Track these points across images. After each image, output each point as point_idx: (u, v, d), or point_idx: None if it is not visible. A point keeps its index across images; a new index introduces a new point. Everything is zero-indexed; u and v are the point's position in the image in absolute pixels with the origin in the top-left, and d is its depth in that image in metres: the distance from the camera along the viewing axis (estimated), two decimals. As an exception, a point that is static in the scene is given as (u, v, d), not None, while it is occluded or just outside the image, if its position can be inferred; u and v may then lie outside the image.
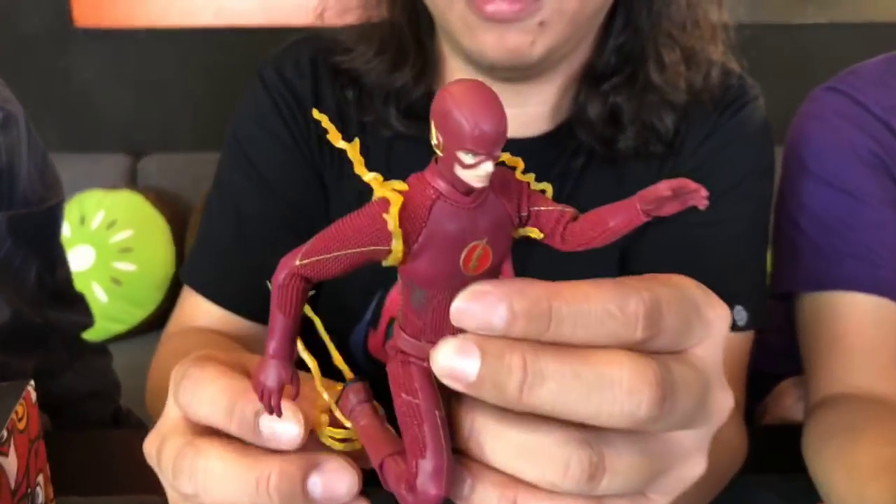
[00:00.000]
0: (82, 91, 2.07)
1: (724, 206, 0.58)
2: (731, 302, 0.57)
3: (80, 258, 1.70)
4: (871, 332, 0.57)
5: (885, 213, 0.60)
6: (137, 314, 1.73)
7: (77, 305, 0.85)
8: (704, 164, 0.59)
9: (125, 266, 1.72)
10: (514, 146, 0.60)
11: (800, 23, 2.06)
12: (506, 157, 0.22)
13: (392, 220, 0.21)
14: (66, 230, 1.75)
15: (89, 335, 1.77)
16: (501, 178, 0.22)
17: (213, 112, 2.08)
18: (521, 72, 0.55)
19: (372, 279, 0.61)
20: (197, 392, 0.25)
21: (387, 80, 0.59)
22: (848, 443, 0.48)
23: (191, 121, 2.10)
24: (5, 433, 0.31)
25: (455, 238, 0.21)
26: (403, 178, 0.60)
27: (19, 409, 0.33)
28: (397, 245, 0.21)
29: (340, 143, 0.22)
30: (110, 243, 1.72)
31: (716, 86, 0.59)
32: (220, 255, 0.61)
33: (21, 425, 0.33)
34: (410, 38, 0.59)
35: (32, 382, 0.37)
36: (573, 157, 0.60)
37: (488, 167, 0.20)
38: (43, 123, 2.10)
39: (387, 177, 0.62)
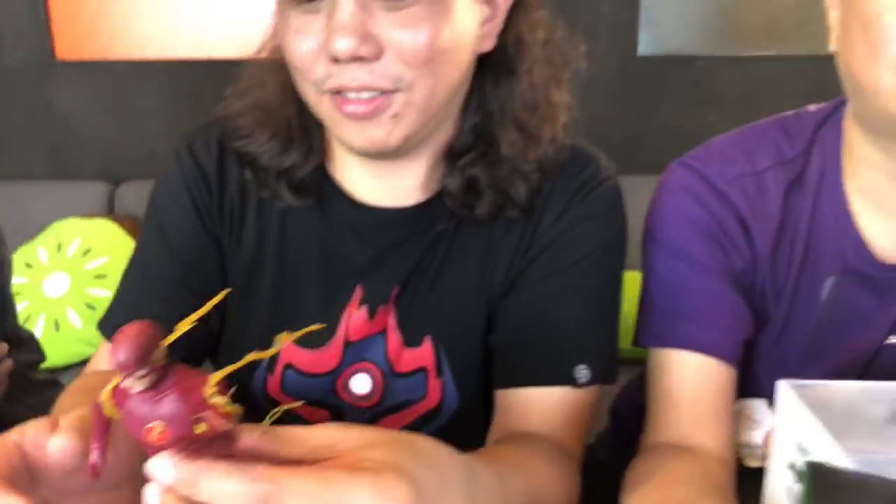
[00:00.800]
0: (64, 121, 2.16)
1: (574, 277, 0.66)
2: (576, 361, 0.65)
3: (56, 284, 1.78)
4: (693, 388, 0.65)
5: (715, 281, 0.67)
6: (110, 338, 1.81)
7: (27, 345, 0.93)
8: (558, 239, 0.67)
9: (99, 292, 1.80)
10: (394, 215, 0.69)
11: (750, 55, 2.14)
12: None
13: (106, 406, 0.33)
14: (44, 257, 1.84)
15: (64, 358, 1.85)
16: (188, 386, 0.32)
17: (189, 141, 2.18)
18: (386, 156, 0.64)
19: (268, 330, 0.69)
20: None
21: (278, 160, 0.67)
22: (644, 486, 0.56)
23: (168, 150, 2.16)
24: None
25: (137, 419, 0.32)
26: (295, 241, 0.69)
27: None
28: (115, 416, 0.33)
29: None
30: (85, 270, 1.81)
31: (564, 162, 0.67)
32: (128, 310, 0.69)
33: None
34: (297, 125, 0.67)
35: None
36: (446, 223, 0.69)
37: (129, 383, 0.31)
38: (26, 152, 2.21)
39: (282, 239, 0.70)
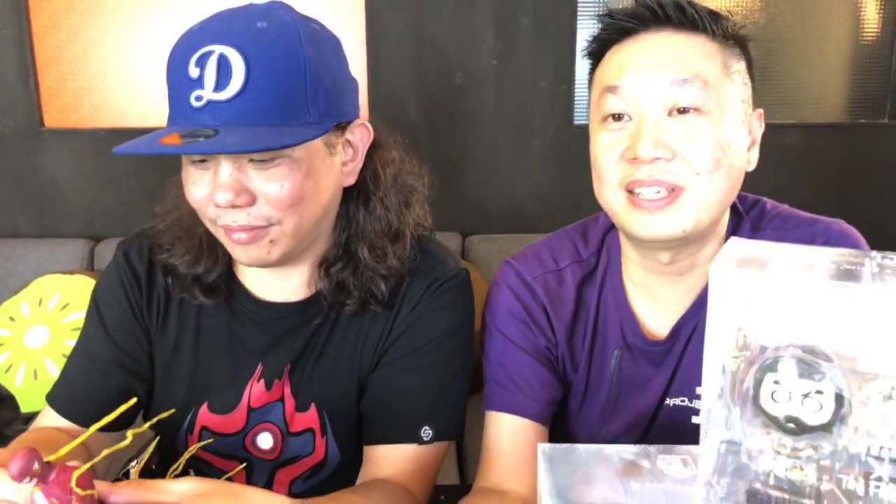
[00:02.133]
0: (49, 183, 2.35)
1: (424, 355, 0.84)
2: (421, 423, 0.83)
3: (36, 337, 1.96)
4: (508, 442, 0.83)
5: (525, 357, 0.85)
6: (85, 386, 1.98)
7: (4, 404, 1.10)
8: (412, 325, 0.85)
9: (76, 343, 1.97)
10: (286, 307, 0.90)
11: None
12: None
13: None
14: (26, 311, 2.01)
15: (41, 405, 2.00)
16: (61, 480, 0.51)
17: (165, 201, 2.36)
18: (270, 268, 0.81)
19: (188, 398, 0.87)
20: None
21: (192, 269, 0.86)
22: None
23: (146, 209, 2.35)
24: None
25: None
26: (209, 329, 0.89)
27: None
28: None
29: None
30: (63, 323, 1.98)
31: (417, 263, 0.85)
32: (71, 384, 0.87)
33: None
34: (206, 241, 0.85)
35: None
36: (328, 315, 0.87)
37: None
38: (13, 212, 2.40)
39: (198, 329, 0.89)
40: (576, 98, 2.34)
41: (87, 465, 0.52)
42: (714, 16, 0.76)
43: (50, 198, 2.36)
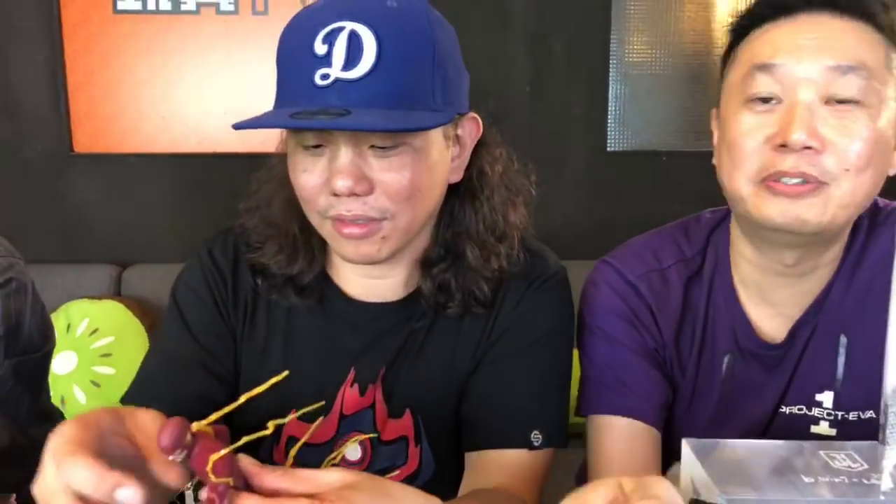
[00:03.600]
0: (77, 209, 2.32)
1: (529, 356, 0.80)
2: (530, 427, 0.78)
3: (63, 363, 1.90)
4: (622, 447, 0.78)
5: (633, 357, 0.81)
6: (113, 414, 1.91)
7: (54, 420, 1.05)
8: (515, 323, 0.81)
9: (105, 370, 1.92)
10: (382, 308, 0.84)
11: (710, 150, 2.35)
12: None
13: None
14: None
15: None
16: (202, 460, 0.47)
17: (192, 227, 2.34)
18: (370, 266, 0.78)
19: (275, 404, 0.82)
20: (73, 473, 0.43)
21: (286, 269, 0.81)
22: None
23: (173, 235, 2.34)
24: None
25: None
26: (299, 332, 0.85)
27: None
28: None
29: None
30: (92, 349, 1.93)
31: (516, 266, 0.81)
32: (150, 385, 0.82)
33: None
34: (302, 240, 0.82)
35: (14, 495, 0.56)
36: (422, 316, 0.83)
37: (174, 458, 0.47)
38: (40, 237, 2.36)
39: (287, 331, 0.84)
40: (609, 124, 2.34)
41: (227, 450, 0.48)
42: (883, 5, 0.71)
43: (77, 223, 2.32)
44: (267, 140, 2.50)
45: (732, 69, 0.77)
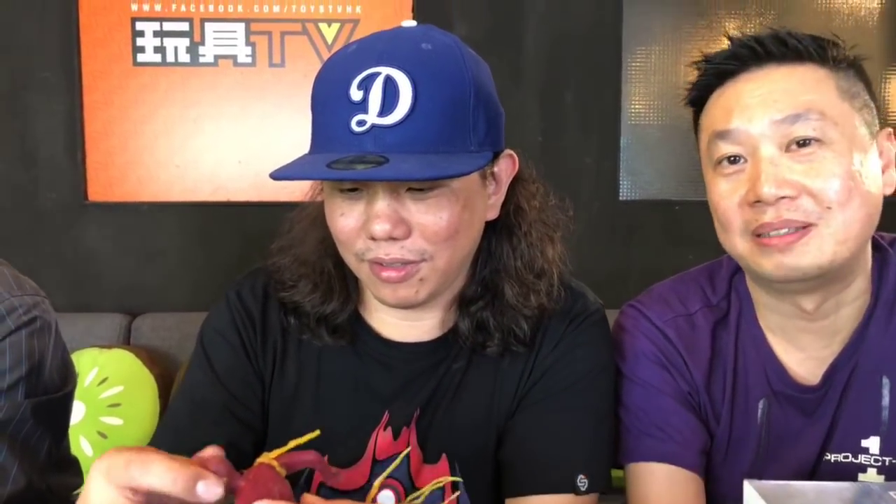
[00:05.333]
0: (88, 257, 2.31)
1: (572, 396, 0.77)
2: (576, 471, 0.75)
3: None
4: (665, 494, 0.75)
5: (668, 401, 0.79)
6: (120, 466, 1.86)
7: (72, 468, 1.01)
8: (557, 362, 0.79)
9: (112, 420, 1.87)
10: (415, 349, 0.81)
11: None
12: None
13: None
14: (62, 386, 1.92)
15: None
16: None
17: (204, 277, 2.33)
18: (415, 306, 0.77)
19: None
20: (147, 469, 0.42)
21: (320, 308, 0.80)
22: None
23: (184, 284, 2.33)
24: None
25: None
26: (330, 374, 0.81)
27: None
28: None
29: None
30: (100, 399, 1.89)
31: (557, 304, 0.80)
32: (175, 433, 0.79)
33: None
34: (337, 278, 0.80)
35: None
36: (457, 356, 0.80)
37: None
38: (51, 285, 2.33)
39: (319, 374, 0.81)
40: (621, 173, 2.35)
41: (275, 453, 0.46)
42: (818, 42, 0.73)
43: (88, 271, 2.31)
44: (281, 189, 2.51)
45: (700, 138, 0.79)
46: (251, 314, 0.83)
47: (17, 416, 0.80)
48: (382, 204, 0.69)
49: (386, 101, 0.66)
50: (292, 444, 0.49)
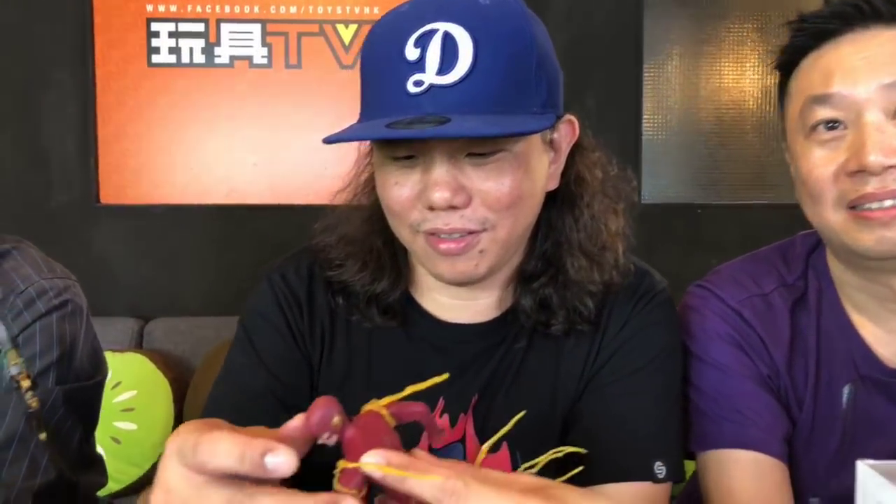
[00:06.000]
0: (100, 261, 2.27)
1: (644, 379, 0.73)
2: (652, 459, 0.70)
3: (84, 418, 1.80)
4: (750, 483, 0.70)
5: (748, 384, 0.74)
6: (134, 473, 1.80)
7: (98, 466, 0.96)
8: (625, 345, 0.74)
9: (126, 425, 1.82)
10: (471, 330, 0.75)
11: (745, 203, 2.32)
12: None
13: None
14: (74, 391, 1.87)
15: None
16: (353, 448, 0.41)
17: (218, 280, 2.28)
18: (472, 283, 0.72)
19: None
20: (214, 450, 0.38)
21: (370, 287, 0.75)
22: None
23: (197, 288, 2.28)
24: None
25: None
26: (381, 356, 0.76)
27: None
28: None
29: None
30: (113, 403, 1.83)
31: (625, 278, 0.75)
32: (218, 419, 0.74)
33: None
34: (387, 255, 0.76)
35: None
36: (517, 337, 0.76)
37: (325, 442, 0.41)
38: (60, 289, 2.27)
39: (369, 357, 0.76)
40: (642, 176, 2.31)
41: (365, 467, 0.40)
42: None
43: (100, 276, 2.26)
44: (297, 191, 2.49)
45: (789, 104, 0.74)
46: (297, 295, 0.78)
47: (48, 403, 0.75)
48: (441, 170, 0.65)
49: (445, 58, 0.62)
50: (409, 389, 0.44)
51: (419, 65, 0.63)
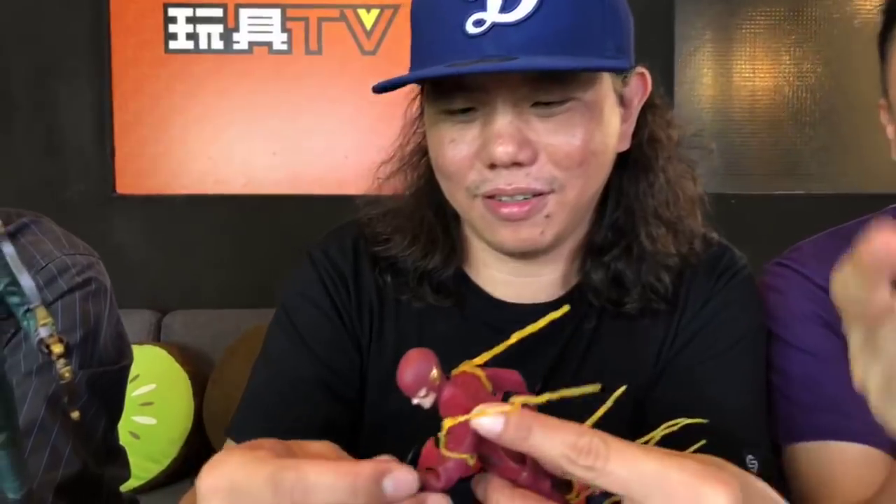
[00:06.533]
0: (117, 252, 2.21)
1: (728, 363, 0.66)
2: (742, 452, 0.63)
3: (101, 412, 1.74)
4: (850, 475, 0.63)
5: (841, 367, 0.68)
6: (153, 469, 1.74)
7: (121, 458, 0.90)
8: (707, 325, 0.67)
9: (145, 420, 1.76)
10: (531, 311, 0.68)
11: (780, 193, 2.24)
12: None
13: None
14: (90, 384, 1.81)
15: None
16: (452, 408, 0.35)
17: (237, 273, 2.22)
18: (534, 254, 0.66)
19: (410, 428, 0.68)
20: (312, 486, 0.31)
21: (421, 263, 0.69)
22: None
23: (216, 281, 2.23)
24: None
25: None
26: (433, 339, 0.69)
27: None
28: None
29: None
30: (132, 396, 1.78)
31: (703, 252, 0.69)
32: (265, 413, 0.67)
33: None
34: (439, 228, 0.70)
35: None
36: (585, 318, 0.69)
37: (420, 402, 0.35)
38: (76, 281, 2.23)
39: (421, 339, 0.69)
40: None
41: (475, 416, 0.33)
42: None
43: (115, 267, 2.19)
44: (317, 181, 2.42)
45: (894, 50, 0.66)
46: (342, 273, 0.72)
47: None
48: (504, 121, 0.58)
49: None
50: (500, 347, 0.38)
51: (479, 2, 0.57)
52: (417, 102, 0.73)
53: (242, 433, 0.68)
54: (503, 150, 0.58)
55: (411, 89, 0.72)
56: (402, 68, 0.62)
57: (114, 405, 0.76)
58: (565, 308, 0.38)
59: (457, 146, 0.61)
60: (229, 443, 0.69)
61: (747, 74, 2.25)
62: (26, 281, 0.31)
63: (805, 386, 0.68)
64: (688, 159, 0.71)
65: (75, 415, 0.33)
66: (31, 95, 2.19)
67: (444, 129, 0.62)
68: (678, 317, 0.68)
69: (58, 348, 0.30)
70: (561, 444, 0.33)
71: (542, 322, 0.38)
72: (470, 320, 0.70)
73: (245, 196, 2.22)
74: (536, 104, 0.59)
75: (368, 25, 2.21)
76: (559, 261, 0.70)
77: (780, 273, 0.74)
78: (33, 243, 0.75)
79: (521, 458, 0.36)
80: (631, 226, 0.68)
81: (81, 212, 2.20)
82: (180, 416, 1.80)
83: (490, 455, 0.35)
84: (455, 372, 0.36)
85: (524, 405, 0.34)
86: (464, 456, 0.33)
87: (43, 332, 0.30)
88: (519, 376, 0.39)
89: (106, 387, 0.74)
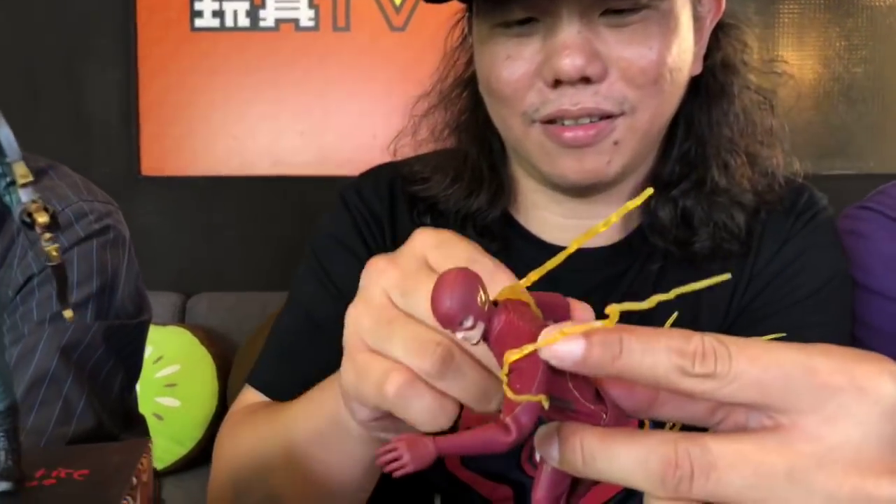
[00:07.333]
0: (141, 233, 2.17)
1: (809, 310, 0.59)
2: None
3: (125, 392, 1.71)
4: None
5: None
6: (177, 451, 1.70)
7: (141, 427, 0.85)
8: (786, 269, 0.60)
9: (169, 401, 1.72)
10: (588, 256, 0.60)
11: (828, 173, 2.14)
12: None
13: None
14: (114, 365, 1.78)
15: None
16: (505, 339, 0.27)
17: (263, 255, 2.18)
18: (594, 190, 0.59)
19: None
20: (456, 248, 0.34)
21: (464, 204, 0.63)
22: None
23: (241, 263, 2.18)
24: (134, 480, 0.31)
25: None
26: None
27: (144, 461, 0.33)
28: None
29: None
30: (156, 378, 1.74)
31: (783, 190, 0.62)
32: (289, 358, 0.62)
33: (144, 478, 0.33)
34: (483, 165, 0.64)
35: (151, 440, 0.37)
36: (648, 262, 0.62)
37: (466, 336, 0.27)
38: (101, 263, 2.20)
39: None
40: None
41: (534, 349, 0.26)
42: None
43: (141, 249, 2.16)
44: (346, 162, 2.36)
45: None
46: (376, 215, 0.66)
47: (85, 340, 0.64)
48: (571, 31, 0.52)
49: None
50: (552, 262, 0.30)
51: None
52: (459, 29, 0.67)
53: (262, 378, 0.63)
54: (570, 63, 0.51)
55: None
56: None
57: (131, 362, 0.71)
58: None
59: (514, 63, 0.55)
60: (247, 390, 0.63)
61: (795, 49, 2.15)
62: (4, 131, 0.24)
63: (891, 337, 0.61)
64: (769, 87, 0.64)
65: (68, 314, 0.26)
66: (57, 75, 2.17)
67: (498, 45, 0.55)
68: (752, 259, 0.61)
69: (42, 217, 0.24)
70: (666, 354, 0.25)
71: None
72: (518, 268, 0.64)
73: (271, 177, 2.17)
74: (606, 12, 0.52)
75: (398, 1, 2.14)
76: (619, 198, 0.63)
77: (865, 217, 0.67)
78: (50, 188, 0.70)
79: (596, 399, 0.28)
80: (702, 157, 0.61)
81: (106, 193, 2.17)
82: (204, 399, 1.75)
83: (560, 399, 0.27)
84: (503, 294, 0.28)
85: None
86: (539, 397, 0.26)
87: (24, 196, 0.24)
88: (566, 300, 0.32)
89: (124, 342, 0.68)
